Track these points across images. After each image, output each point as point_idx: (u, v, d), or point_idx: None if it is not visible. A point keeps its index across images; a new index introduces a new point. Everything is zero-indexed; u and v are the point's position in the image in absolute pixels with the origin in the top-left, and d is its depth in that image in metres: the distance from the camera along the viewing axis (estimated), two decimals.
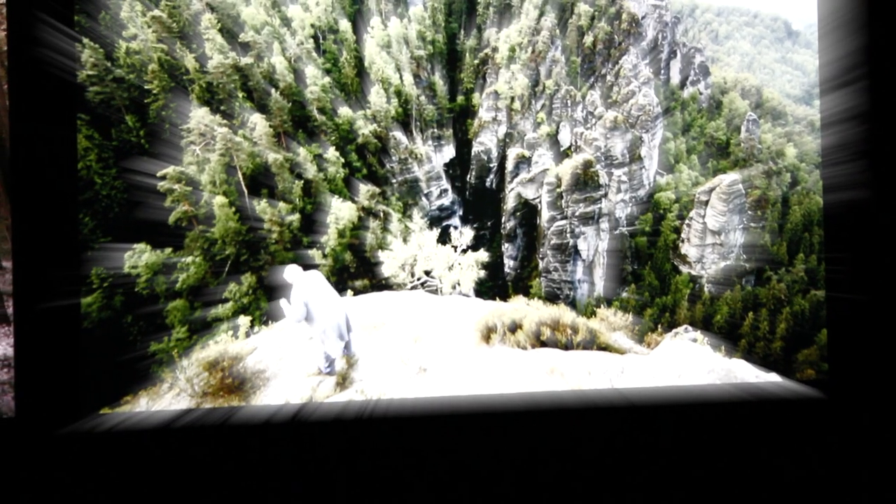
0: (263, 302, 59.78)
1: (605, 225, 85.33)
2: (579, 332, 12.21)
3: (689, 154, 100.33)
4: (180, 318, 53.94)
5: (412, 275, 38.57)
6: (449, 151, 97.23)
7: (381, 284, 52.46)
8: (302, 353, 11.51)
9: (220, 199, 59.22)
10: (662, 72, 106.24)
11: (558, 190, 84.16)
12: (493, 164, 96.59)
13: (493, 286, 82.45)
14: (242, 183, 64.75)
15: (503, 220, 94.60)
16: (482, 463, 5.17)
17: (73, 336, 5.31)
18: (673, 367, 9.54)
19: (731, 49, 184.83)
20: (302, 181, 70.63)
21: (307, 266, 10.86)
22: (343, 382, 10.38)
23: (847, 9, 5.35)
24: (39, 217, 5.14)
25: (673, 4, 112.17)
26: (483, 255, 38.40)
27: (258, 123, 67.99)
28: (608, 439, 5.37)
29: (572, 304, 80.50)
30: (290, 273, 10.14)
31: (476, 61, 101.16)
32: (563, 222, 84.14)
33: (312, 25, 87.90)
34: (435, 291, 35.48)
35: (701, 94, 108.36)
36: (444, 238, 42.21)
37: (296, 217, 67.33)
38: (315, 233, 69.62)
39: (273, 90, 74.34)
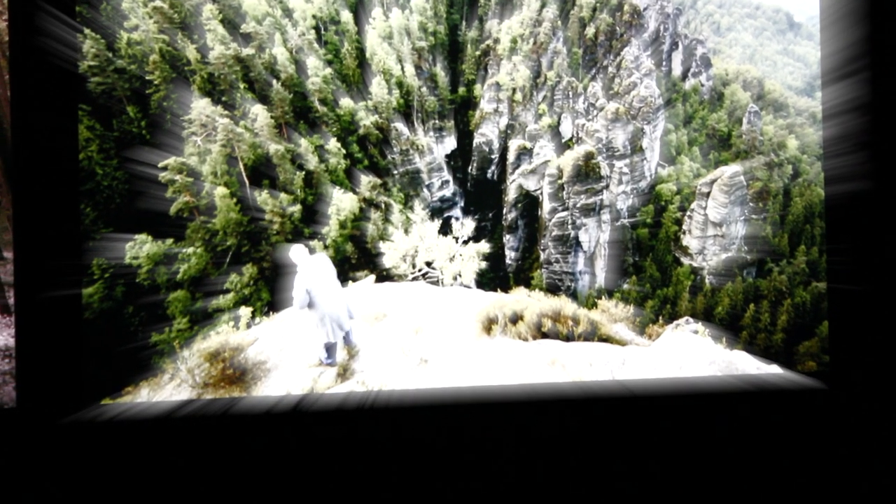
0: (265, 293, 59.90)
1: (606, 216, 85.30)
2: (580, 323, 12.22)
3: (690, 146, 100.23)
4: (181, 309, 54.05)
5: (413, 266, 38.54)
6: (450, 143, 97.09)
7: (383, 275, 52.55)
8: (303, 344, 11.52)
9: (221, 190, 59.25)
10: (664, 63, 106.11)
11: (560, 181, 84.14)
12: (495, 156, 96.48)
13: (494, 277, 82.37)
14: (244, 174, 64.79)
15: (504, 211, 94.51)
16: (483, 454, 5.18)
17: (75, 326, 5.32)
18: (674, 359, 9.55)
19: (732, 41, 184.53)
20: (303, 172, 70.62)
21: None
22: (344, 373, 10.39)
23: (849, 0, 5.35)
24: (41, 207, 5.14)
25: None
26: (484, 246, 38.36)
27: (259, 114, 67.94)
28: (609, 430, 5.38)
29: (573, 295, 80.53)
30: (296, 253, 10.09)
31: (478, 52, 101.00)
32: (565, 214, 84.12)
33: (314, 16, 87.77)
34: (436, 282, 35.47)
35: (702, 85, 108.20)
36: (445, 229, 42.13)
37: (297, 208, 67.30)
38: (316, 224, 69.59)
39: (274, 81, 74.25)
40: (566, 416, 5.48)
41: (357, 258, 71.74)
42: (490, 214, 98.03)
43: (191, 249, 56.32)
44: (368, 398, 5.72)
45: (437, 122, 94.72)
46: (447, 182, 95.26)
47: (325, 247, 67.94)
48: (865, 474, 5.21)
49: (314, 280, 9.90)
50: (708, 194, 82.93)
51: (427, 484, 5.06)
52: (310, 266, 9.97)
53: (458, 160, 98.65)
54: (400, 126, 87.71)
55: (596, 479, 5.12)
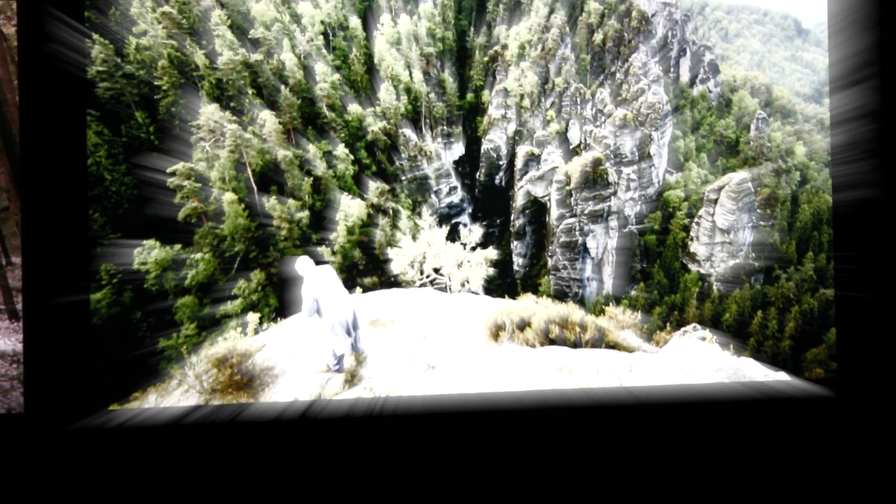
0: (272, 299, 60.00)
1: (614, 223, 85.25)
2: (588, 330, 12.23)
3: (698, 152, 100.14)
4: (189, 315, 54.15)
5: (421, 272, 38.60)
6: (458, 149, 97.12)
7: (391, 282, 52.52)
8: (310, 350, 11.53)
9: (229, 196, 59.31)
10: (672, 70, 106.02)
11: (567, 188, 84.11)
12: (503, 162, 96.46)
13: (501, 284, 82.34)
14: (252, 179, 64.87)
15: (512, 217, 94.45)
16: (490, 459, 5.18)
17: (82, 332, 5.33)
18: (681, 366, 9.54)
19: (740, 47, 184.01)
20: (311, 178, 70.67)
21: (317, 263, 10.84)
22: (352, 380, 10.42)
23: (857, 7, 5.35)
24: (49, 213, 5.16)
25: (683, 2, 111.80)
26: (492, 252, 38.44)
27: (268, 120, 68.00)
28: (617, 437, 5.38)
29: (581, 302, 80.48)
30: (302, 265, 10.20)
31: (486, 58, 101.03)
32: (573, 220, 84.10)
33: (322, 22, 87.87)
34: (444, 289, 35.52)
35: (710, 92, 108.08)
36: (453, 235, 42.32)
37: (305, 214, 67.37)
38: (324, 230, 69.66)
39: (283, 87, 74.35)
40: (573, 423, 5.49)
41: (365, 264, 71.83)
42: (498, 221, 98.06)
43: (199, 255, 56.41)
44: (376, 404, 5.74)
45: (445, 127, 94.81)
46: (455, 188, 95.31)
47: (333, 253, 68.01)
48: (873, 480, 5.20)
49: (322, 288, 9.96)
50: (716, 201, 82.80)
51: (434, 489, 5.06)
52: (316, 275, 10.03)
53: (465, 166, 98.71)
54: (408, 132, 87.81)
55: (602, 486, 5.12)
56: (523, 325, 12.59)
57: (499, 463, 5.19)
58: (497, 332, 12.70)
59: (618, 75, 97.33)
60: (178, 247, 55.04)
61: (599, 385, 9.27)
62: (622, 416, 5.57)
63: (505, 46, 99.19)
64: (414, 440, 5.33)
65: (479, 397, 6.06)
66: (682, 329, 15.22)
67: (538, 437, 5.34)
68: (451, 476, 5.11)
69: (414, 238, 45.32)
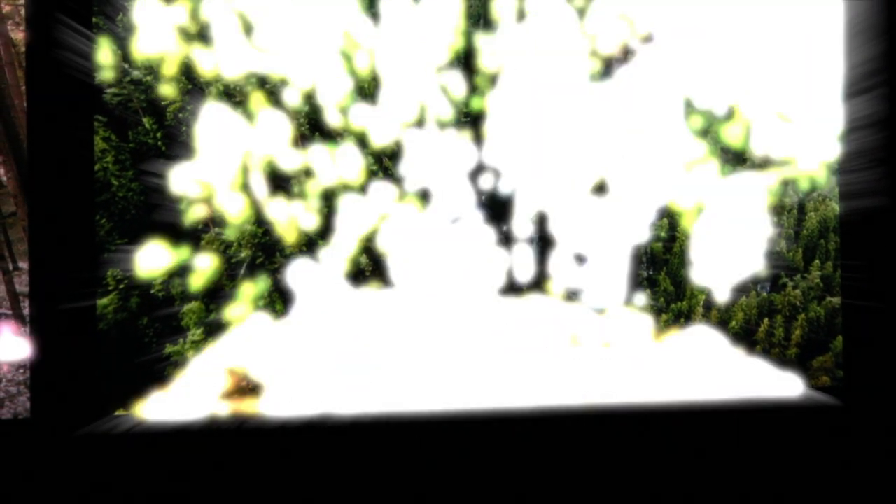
0: (279, 305, 60.17)
1: None
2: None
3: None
4: (196, 321, 54.34)
5: None
6: None
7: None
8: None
9: (236, 202, 59.67)
10: None
11: None
12: None
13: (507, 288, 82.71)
14: (259, 185, 65.27)
15: None
16: (496, 469, 5.18)
17: (90, 337, 5.34)
18: (686, 373, 9.54)
19: None
20: (318, 184, 71.12)
21: (321, 269, 10.77)
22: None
23: (866, 14, 5.34)
24: (56, 218, 5.16)
25: None
26: None
27: (275, 126, 68.42)
28: (622, 445, 5.37)
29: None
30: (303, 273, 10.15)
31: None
32: None
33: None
34: None
35: None
36: None
37: (312, 220, 67.73)
38: (331, 236, 70.00)
39: (290, 92, 74.82)
40: (579, 430, 5.48)
41: (371, 270, 72.20)
42: (504, 227, 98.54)
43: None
44: (384, 412, 5.73)
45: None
46: None
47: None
48: (881, 492, 5.19)
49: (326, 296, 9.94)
50: None
51: (441, 497, 5.06)
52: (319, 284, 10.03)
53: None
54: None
55: (607, 495, 5.12)
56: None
57: (504, 471, 5.19)
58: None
59: None
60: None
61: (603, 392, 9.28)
62: (628, 423, 5.57)
63: None
64: (422, 447, 5.33)
65: (486, 405, 6.05)
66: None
67: (544, 444, 5.33)
68: (459, 484, 5.11)
69: None
